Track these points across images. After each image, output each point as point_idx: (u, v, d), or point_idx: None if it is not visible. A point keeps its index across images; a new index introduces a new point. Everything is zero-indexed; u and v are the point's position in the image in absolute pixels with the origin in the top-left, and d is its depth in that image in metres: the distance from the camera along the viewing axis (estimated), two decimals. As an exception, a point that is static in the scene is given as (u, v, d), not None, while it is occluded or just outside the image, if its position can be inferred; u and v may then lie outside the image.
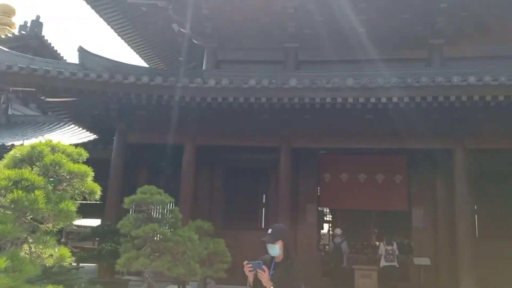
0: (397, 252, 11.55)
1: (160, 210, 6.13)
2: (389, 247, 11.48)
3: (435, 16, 12.79)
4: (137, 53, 17.33)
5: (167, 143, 12.12)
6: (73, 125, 15.51)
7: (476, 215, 12.49)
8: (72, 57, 34.16)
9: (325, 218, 18.11)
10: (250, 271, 3.56)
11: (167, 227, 6.17)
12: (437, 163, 12.25)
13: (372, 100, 9.88)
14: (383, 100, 9.86)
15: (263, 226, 13.38)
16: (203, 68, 14.09)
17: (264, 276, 3.49)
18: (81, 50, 11.34)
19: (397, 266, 11.42)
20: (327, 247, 14.27)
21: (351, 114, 10.77)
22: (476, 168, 11.53)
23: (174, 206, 6.96)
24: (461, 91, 9.47)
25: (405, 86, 9.52)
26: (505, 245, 11.53)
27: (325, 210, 17.27)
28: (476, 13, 12.70)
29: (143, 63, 17.87)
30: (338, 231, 12.98)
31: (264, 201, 13.55)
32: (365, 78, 9.80)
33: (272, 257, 3.73)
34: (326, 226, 18.70)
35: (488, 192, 12.24)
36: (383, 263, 11.48)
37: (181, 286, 10.15)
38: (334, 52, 13.38)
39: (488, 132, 10.79)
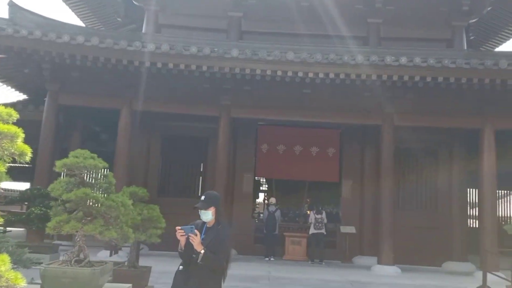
0: (325, 221, 12.19)
1: (94, 175, 6.05)
2: (319, 216, 12.09)
3: (374, -4, 13.21)
4: (72, 10, 16.38)
5: (102, 107, 11.79)
6: (1, 84, 14.57)
7: (404, 188, 13.42)
8: (1, 12, 31.54)
9: (261, 188, 18.59)
10: (182, 235, 3.67)
11: (100, 192, 6.13)
12: (367, 138, 12.92)
13: (310, 75, 10.18)
14: (321, 75, 10.20)
15: (199, 194, 13.53)
16: (143, 31, 13.68)
17: (196, 240, 3.62)
18: (12, 5, 10.58)
19: (325, 233, 12.08)
20: (261, 215, 14.73)
21: (290, 87, 11.04)
22: (403, 144, 12.34)
23: (109, 171, 6.87)
24: (392, 70, 9.98)
25: (341, 63, 9.88)
26: (419, 215, 12.62)
27: (261, 179, 17.72)
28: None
29: (79, 22, 16.96)
30: (273, 200, 13.43)
31: (201, 170, 13.66)
32: (304, 53, 10.03)
33: (204, 223, 3.87)
34: (262, 195, 19.24)
35: (415, 166, 13.17)
36: (312, 230, 12.09)
37: (113, 252, 10.14)
38: (277, 24, 13.53)
39: (415, 110, 11.47)
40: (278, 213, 12.64)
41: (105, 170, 6.68)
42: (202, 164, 13.60)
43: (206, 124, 12.54)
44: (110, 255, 9.99)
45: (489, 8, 14.07)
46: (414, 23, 13.46)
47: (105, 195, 5.98)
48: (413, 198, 13.23)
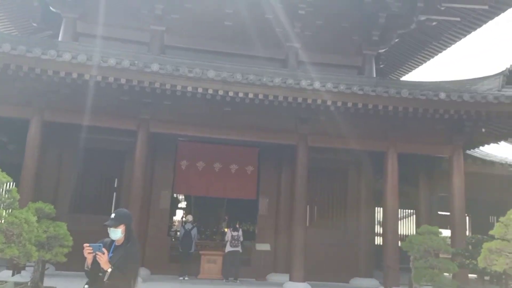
0: (241, 238, 12.33)
1: (-4, 190, 5.70)
2: (235, 233, 12.21)
3: (293, 21, 13.86)
4: (-19, 11, 15.29)
5: (11, 117, 11.07)
6: None
7: (315, 206, 14.04)
8: None
9: (179, 205, 18.38)
10: (89, 253, 3.60)
11: (2, 208, 5.76)
12: (284, 157, 13.37)
13: (231, 93, 10.37)
14: (241, 95, 10.43)
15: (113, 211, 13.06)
16: (60, 39, 13.12)
17: (103, 258, 3.57)
18: None
19: (241, 251, 12.21)
20: (178, 233, 14.54)
21: (211, 104, 11.15)
22: (316, 164, 12.94)
23: (14, 185, 6.47)
24: (307, 94, 10.50)
25: (260, 84, 10.21)
26: (330, 233, 13.25)
27: (179, 196, 17.53)
28: (328, 24, 14.15)
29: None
30: (189, 217, 13.33)
31: (116, 185, 13.22)
32: (225, 72, 10.24)
33: (113, 240, 3.82)
34: (179, 213, 19.00)
35: (323, 186, 13.82)
36: (228, 248, 12.17)
37: (15, 271, 9.45)
38: (200, 41, 13.67)
39: (328, 132, 12.10)
40: (194, 231, 12.57)
41: (11, 184, 6.29)
42: (116, 179, 13.18)
43: (124, 138, 12.23)
44: (13, 274, 9.33)
45: (396, 40, 15.37)
46: (329, 49, 14.31)
47: (8, 211, 5.64)
48: (325, 216, 13.87)
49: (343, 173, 13.93)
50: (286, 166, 13.27)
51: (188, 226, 12.59)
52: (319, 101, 10.66)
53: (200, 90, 10.26)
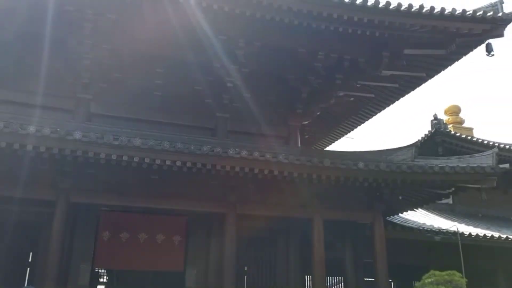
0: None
1: None
2: (160, 309, 11.55)
3: (222, 93, 14.35)
4: None
5: None
6: None
7: (246, 276, 13.77)
8: None
9: (100, 279, 17.15)
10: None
11: None
12: (214, 226, 13.19)
13: (157, 162, 10.28)
14: (168, 163, 10.37)
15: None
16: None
17: None
18: None
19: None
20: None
21: (137, 173, 10.91)
22: (245, 233, 12.86)
23: None
24: (235, 162, 10.68)
25: (188, 152, 10.26)
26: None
27: (101, 271, 16.42)
28: (255, 97, 14.81)
29: None
30: (111, 292, 12.47)
31: (30, 260, 12.18)
32: (152, 140, 10.21)
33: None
34: (100, 288, 17.69)
35: (258, 255, 13.69)
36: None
37: None
38: (128, 109, 13.67)
39: (256, 200, 12.25)
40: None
41: None
42: (31, 253, 12.17)
43: (41, 209, 11.50)
44: None
45: (318, 113, 16.35)
46: (257, 120, 14.81)
47: None
48: (258, 286, 13.59)
49: (272, 241, 13.94)
50: (216, 235, 13.04)
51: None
52: (246, 169, 10.85)
53: (125, 158, 10.07)
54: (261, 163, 10.81)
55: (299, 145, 15.30)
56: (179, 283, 13.87)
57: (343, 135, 20.40)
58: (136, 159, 10.15)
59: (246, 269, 13.88)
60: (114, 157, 10.00)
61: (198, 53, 13.29)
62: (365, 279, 14.94)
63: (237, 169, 10.78)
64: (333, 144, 21.53)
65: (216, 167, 10.64)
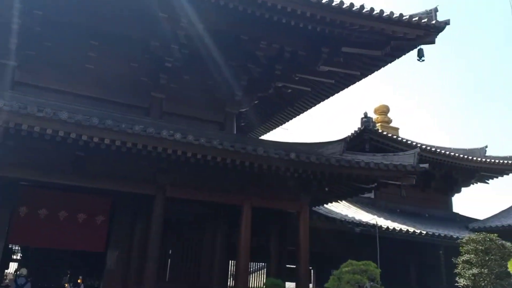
0: (82, 295, 11.32)
1: None
2: (77, 289, 11.18)
3: (159, 72, 13.97)
4: None
5: None
6: None
7: (169, 259, 13.64)
8: None
9: (13, 257, 16.23)
10: None
11: None
12: (140, 207, 12.90)
13: (84, 137, 9.80)
14: (96, 140, 9.93)
15: None
16: None
17: None
18: None
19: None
20: (9, 289, 12.74)
21: (61, 148, 10.37)
22: (176, 216, 12.72)
23: None
24: (167, 144, 10.46)
25: (118, 130, 9.89)
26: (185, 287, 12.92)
27: (15, 247, 15.54)
28: (194, 80, 14.59)
29: None
30: (23, 271, 11.84)
31: None
32: (80, 115, 9.72)
33: None
34: (14, 265, 16.75)
35: (183, 238, 13.59)
36: (68, 305, 11.04)
37: None
38: (57, 81, 12.91)
39: (187, 184, 12.11)
40: (28, 286, 11.15)
41: None
42: None
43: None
44: None
45: (256, 102, 16.46)
46: (194, 104, 14.66)
47: None
48: (181, 270, 13.52)
49: (200, 225, 13.90)
50: (142, 217, 12.76)
51: (21, 280, 11.17)
52: (179, 152, 10.67)
53: (49, 131, 9.50)
54: (195, 147, 10.68)
55: (235, 132, 15.32)
56: (99, 264, 13.50)
57: (279, 126, 20.72)
58: (61, 133, 9.60)
59: (170, 252, 13.76)
60: (37, 129, 9.40)
61: (137, 29, 12.83)
62: (287, 265, 15.41)
63: (169, 151, 10.57)
64: (268, 133, 21.82)
65: (147, 148, 10.36)
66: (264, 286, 10.07)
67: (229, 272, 15.19)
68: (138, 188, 11.84)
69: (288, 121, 19.93)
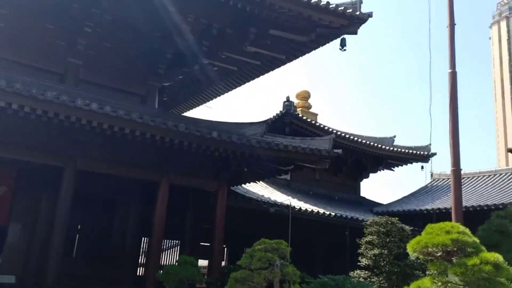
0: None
1: None
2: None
3: (77, 37, 13.11)
4: None
5: None
6: None
7: (77, 235, 13.09)
8: None
9: None
10: None
11: None
12: (48, 179, 12.15)
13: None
14: (2, 104, 9.13)
15: None
16: None
17: None
18: None
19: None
20: None
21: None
22: (87, 190, 12.15)
23: None
24: (82, 114, 9.90)
25: (28, 95, 9.17)
26: (95, 264, 12.50)
27: None
28: (115, 48, 13.89)
29: None
30: None
31: None
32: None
33: None
34: None
35: (94, 213, 13.06)
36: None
37: None
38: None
39: (102, 157, 11.61)
40: None
41: None
42: None
43: None
44: None
45: (181, 77, 16.11)
46: (114, 73, 14.01)
47: None
48: (90, 246, 13.05)
49: (113, 201, 13.46)
50: (50, 190, 12.03)
51: None
52: (94, 124, 10.16)
53: None
54: (112, 119, 10.21)
55: (156, 106, 14.92)
56: (1, 238, 12.59)
57: (203, 103, 20.50)
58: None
59: (79, 227, 13.21)
60: None
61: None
62: (201, 243, 15.52)
63: (83, 121, 10.01)
64: (191, 110, 21.52)
65: (59, 116, 9.73)
66: (176, 263, 10.02)
67: (141, 249, 14.96)
68: (46, 159, 11.15)
69: (212, 99, 19.79)
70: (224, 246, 16.93)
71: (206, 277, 11.98)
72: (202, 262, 15.06)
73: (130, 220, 13.35)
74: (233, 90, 18.30)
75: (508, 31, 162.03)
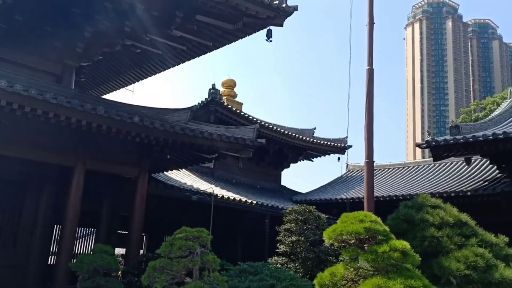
0: None
1: None
2: None
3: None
4: None
5: None
6: None
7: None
8: None
9: None
10: None
11: None
12: None
13: None
14: None
15: None
16: None
17: None
18: None
19: None
20: None
21: None
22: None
23: None
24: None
25: None
26: (7, 253, 11.64)
27: None
28: (29, 22, 12.84)
29: None
30: None
31: None
32: None
33: None
34: None
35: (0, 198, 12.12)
36: None
37: None
38: None
39: (10, 139, 10.74)
40: None
41: None
42: None
43: None
44: None
45: (101, 57, 15.31)
46: (26, 49, 12.97)
47: None
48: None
49: (23, 185, 12.54)
50: None
51: None
52: (2, 103, 9.35)
53: None
54: (23, 99, 9.47)
55: (73, 87, 14.07)
56: None
57: (124, 86, 19.66)
58: None
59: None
60: None
61: None
62: (119, 231, 15.03)
63: (-11, 100, 9.18)
64: (111, 93, 20.57)
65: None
66: (91, 252, 9.61)
67: (54, 237, 14.14)
68: None
69: (134, 82, 19.06)
70: (143, 234, 16.57)
71: (123, 266, 11.64)
72: (120, 251, 14.60)
73: (41, 206, 12.51)
74: (157, 74, 17.80)
75: (421, 33, 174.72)
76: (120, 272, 10.60)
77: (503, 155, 15.61)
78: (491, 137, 14.02)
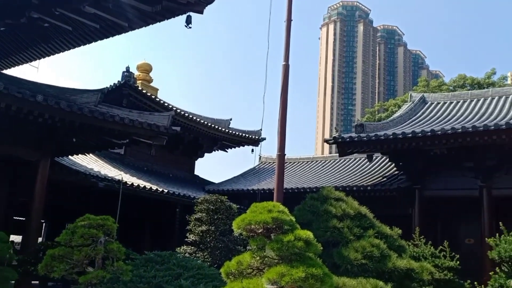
0: None
1: None
2: None
3: None
4: None
5: None
6: None
7: None
8: None
9: None
10: None
11: None
12: None
13: None
14: None
15: None
16: None
17: None
18: None
19: None
20: None
21: None
22: None
23: None
24: None
25: None
26: None
27: None
28: None
29: None
30: None
31: None
32: None
33: None
34: None
35: None
36: None
37: None
38: None
39: None
40: None
41: None
42: None
43: None
44: None
45: (2, 29, 13.98)
46: None
47: None
48: None
49: None
50: None
51: None
52: None
53: None
54: None
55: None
56: None
57: (28, 62, 18.13)
58: None
59: None
60: None
61: None
62: (15, 217, 13.99)
63: None
64: (12, 68, 18.88)
65: None
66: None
67: None
68: None
69: (40, 58, 17.60)
70: (43, 221, 15.56)
71: (19, 254, 10.85)
72: (16, 238, 13.60)
73: None
74: (66, 52, 16.66)
75: (335, 34, 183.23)
76: (15, 260, 9.86)
77: (401, 154, 16.99)
78: (391, 136, 15.16)
